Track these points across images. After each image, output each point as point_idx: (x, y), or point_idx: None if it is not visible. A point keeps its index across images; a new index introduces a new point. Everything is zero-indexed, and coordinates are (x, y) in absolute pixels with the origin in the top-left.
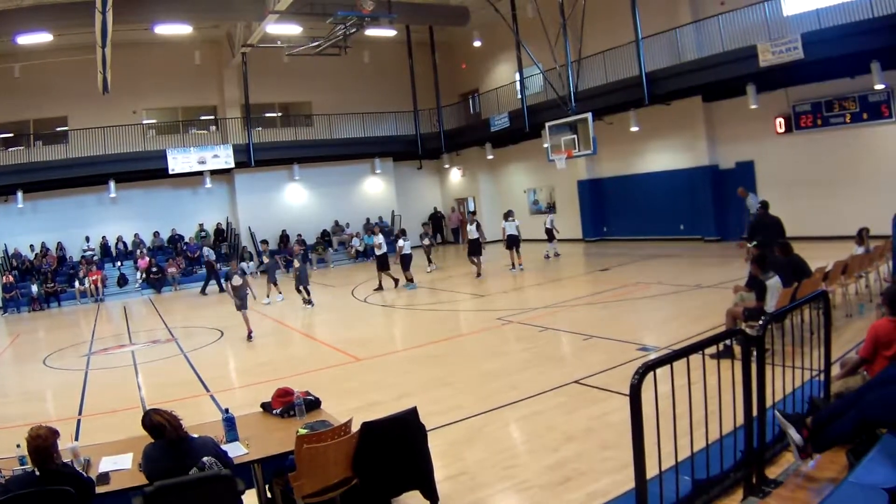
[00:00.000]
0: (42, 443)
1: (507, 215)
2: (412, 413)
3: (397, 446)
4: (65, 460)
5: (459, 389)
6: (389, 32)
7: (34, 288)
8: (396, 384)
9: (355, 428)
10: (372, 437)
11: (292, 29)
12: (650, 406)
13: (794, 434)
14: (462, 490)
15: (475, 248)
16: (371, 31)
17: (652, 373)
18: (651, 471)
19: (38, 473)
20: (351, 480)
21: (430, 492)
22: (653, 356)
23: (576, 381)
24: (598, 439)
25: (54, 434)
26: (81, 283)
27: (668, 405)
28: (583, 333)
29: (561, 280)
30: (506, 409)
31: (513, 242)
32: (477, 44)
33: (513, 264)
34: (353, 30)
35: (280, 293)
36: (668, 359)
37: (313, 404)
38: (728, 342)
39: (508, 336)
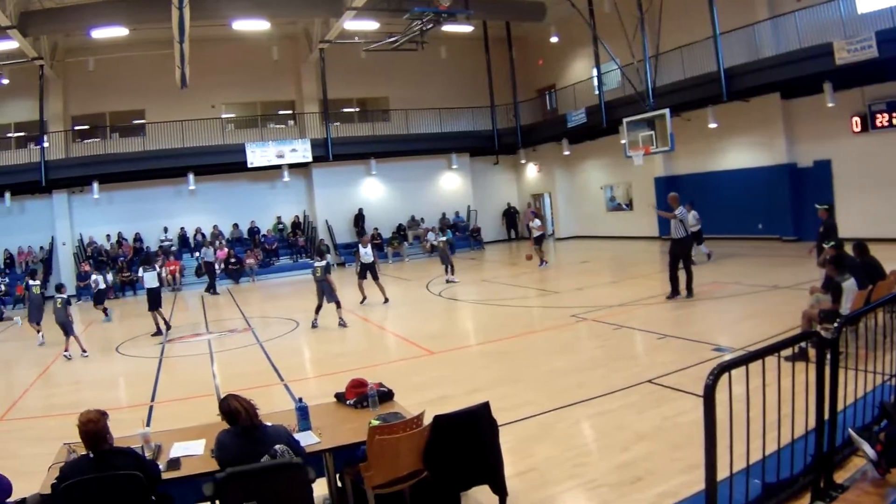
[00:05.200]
0: (94, 427)
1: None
2: (484, 408)
3: (468, 441)
4: (134, 446)
5: (531, 386)
6: (466, 28)
7: (109, 277)
8: (468, 379)
9: (427, 421)
10: (443, 430)
11: (369, 25)
12: (723, 407)
13: (868, 450)
14: (531, 486)
15: (539, 240)
16: (448, 27)
17: (727, 374)
18: (721, 472)
19: (91, 456)
20: (421, 473)
21: (499, 487)
22: (727, 357)
23: (648, 381)
24: (669, 439)
25: (104, 416)
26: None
27: (741, 407)
28: (657, 332)
29: (637, 278)
30: (577, 406)
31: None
32: (554, 39)
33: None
34: (430, 25)
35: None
36: (743, 360)
37: (386, 396)
38: (802, 344)
39: (581, 333)
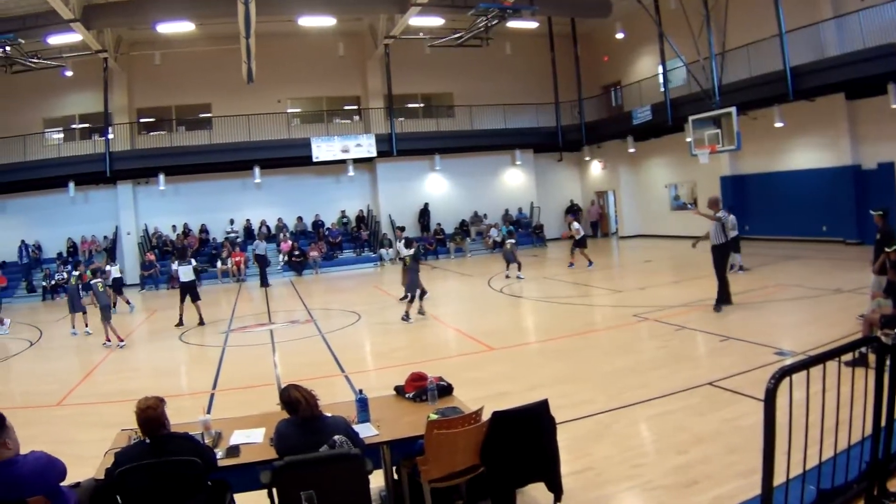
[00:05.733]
0: (152, 413)
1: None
2: (543, 405)
3: (526, 437)
4: (195, 433)
5: (590, 384)
6: (531, 24)
7: (174, 266)
8: (527, 376)
9: (485, 416)
10: (502, 426)
11: (434, 21)
12: (782, 412)
13: None
14: (587, 485)
15: (582, 242)
16: (513, 23)
17: (787, 378)
18: (778, 478)
19: (148, 441)
20: (477, 468)
21: (555, 485)
22: (788, 361)
23: (709, 383)
24: (728, 443)
25: (162, 403)
26: (224, 263)
27: (799, 412)
28: (719, 334)
29: (700, 278)
30: (636, 407)
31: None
32: (619, 36)
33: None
34: (495, 21)
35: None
36: (804, 364)
37: (445, 390)
38: (863, 350)
39: (643, 333)
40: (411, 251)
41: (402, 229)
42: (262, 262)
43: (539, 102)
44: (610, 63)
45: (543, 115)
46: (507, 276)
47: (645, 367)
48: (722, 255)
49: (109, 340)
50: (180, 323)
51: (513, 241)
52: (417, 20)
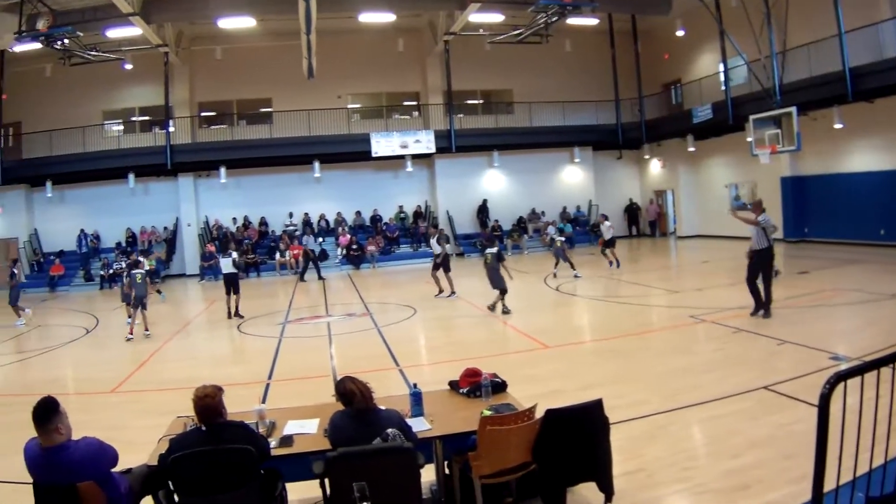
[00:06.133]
0: (210, 401)
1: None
2: (597, 405)
3: (579, 436)
4: (250, 422)
5: (645, 385)
6: (591, 21)
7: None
8: (582, 374)
9: (539, 414)
10: (555, 424)
11: (494, 17)
12: (836, 417)
13: None
14: (638, 487)
15: (612, 242)
16: (572, 20)
17: (842, 384)
18: (828, 484)
19: (203, 429)
20: (529, 466)
21: (606, 485)
22: (843, 366)
23: (764, 387)
24: (781, 448)
25: (220, 391)
26: (282, 256)
27: (852, 419)
28: (776, 338)
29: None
30: (690, 409)
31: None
32: (680, 33)
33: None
34: (555, 18)
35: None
36: (859, 370)
37: (499, 387)
38: None
39: (699, 335)
40: (494, 249)
41: (437, 227)
42: (307, 256)
43: (599, 100)
44: (670, 60)
45: (603, 112)
46: (555, 275)
47: (700, 368)
48: (764, 261)
49: (146, 331)
50: (230, 315)
51: (562, 239)
52: (477, 16)
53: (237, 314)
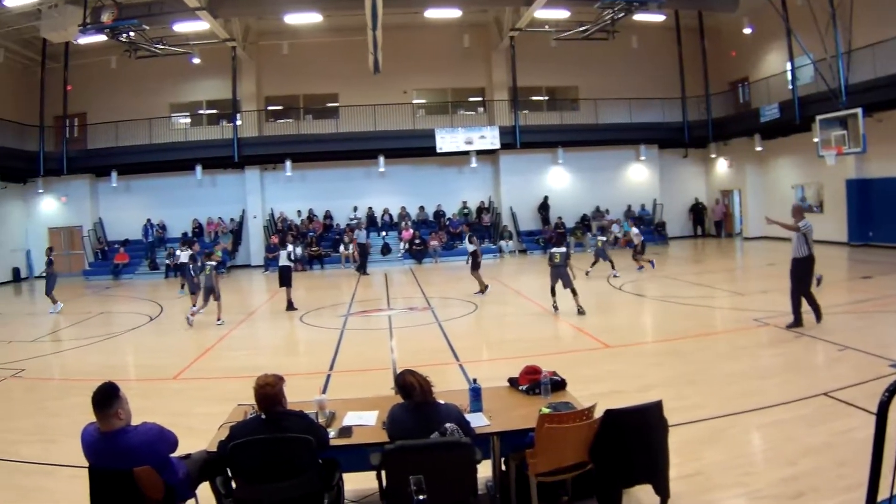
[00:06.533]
0: (270, 390)
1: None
2: (657, 406)
3: (637, 438)
4: (310, 412)
5: (705, 388)
6: (658, 17)
7: (299, 250)
8: (642, 375)
9: (597, 414)
10: (613, 424)
11: (560, 13)
12: (894, 426)
13: None
14: (694, 491)
15: (643, 247)
16: (639, 16)
17: None
18: (882, 493)
19: (263, 417)
20: (585, 465)
21: (662, 488)
22: None
23: (823, 394)
24: (837, 456)
25: (281, 381)
26: (346, 249)
27: None
28: (837, 343)
29: (826, 285)
30: (750, 413)
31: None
32: (747, 31)
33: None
34: (621, 14)
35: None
36: None
37: (559, 385)
38: None
39: (762, 338)
40: (563, 249)
41: (470, 226)
42: (363, 249)
43: (665, 97)
44: (737, 58)
45: (669, 110)
46: (587, 274)
47: (761, 373)
48: (804, 269)
49: (219, 319)
50: (290, 307)
51: (604, 238)
52: (543, 12)
53: (289, 305)
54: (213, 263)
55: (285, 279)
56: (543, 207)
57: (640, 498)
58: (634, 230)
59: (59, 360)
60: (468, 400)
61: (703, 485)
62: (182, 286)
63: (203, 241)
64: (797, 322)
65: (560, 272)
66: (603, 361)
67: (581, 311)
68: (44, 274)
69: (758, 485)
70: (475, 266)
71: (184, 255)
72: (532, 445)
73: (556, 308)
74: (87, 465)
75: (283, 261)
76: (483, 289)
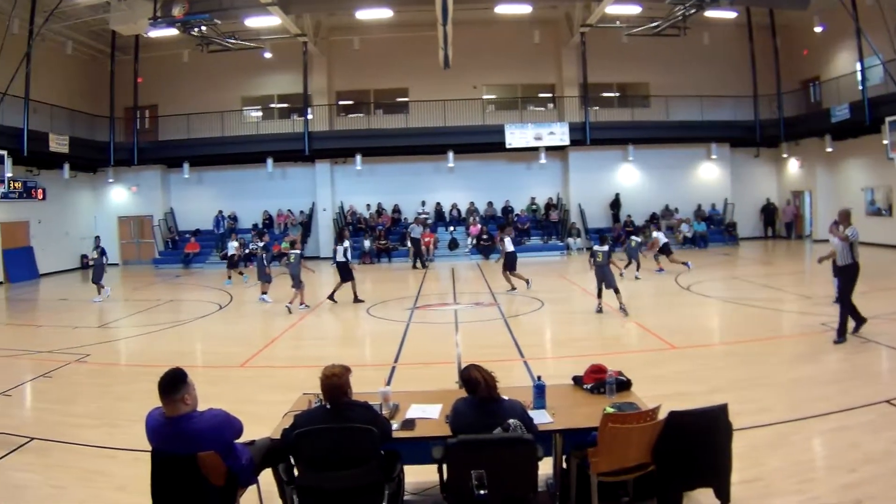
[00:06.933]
0: (336, 381)
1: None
2: (722, 410)
3: (701, 441)
4: (374, 403)
5: (770, 392)
6: (729, 14)
7: (367, 243)
8: (708, 378)
9: (662, 415)
10: (678, 427)
11: (631, 9)
12: None
13: None
14: (754, 496)
15: (666, 248)
16: (710, 13)
17: None
18: None
19: (328, 407)
20: (647, 466)
21: (723, 492)
22: None
23: (886, 401)
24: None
25: (347, 371)
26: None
27: None
28: None
29: (891, 290)
30: (814, 419)
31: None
32: (818, 29)
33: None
34: (693, 10)
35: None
36: None
37: (624, 385)
38: None
39: (829, 344)
40: (605, 248)
41: (505, 227)
42: (417, 245)
43: (737, 95)
44: (809, 57)
45: (741, 108)
46: (621, 275)
47: (826, 378)
48: (850, 279)
49: (302, 304)
50: (356, 300)
51: (638, 239)
52: (614, 8)
53: (331, 297)
54: (298, 252)
55: (345, 274)
56: (615, 205)
57: (701, 501)
58: (657, 234)
59: (127, 346)
60: (532, 397)
61: (763, 490)
62: (229, 276)
63: (273, 233)
64: (858, 324)
65: (604, 271)
66: (669, 362)
67: (624, 311)
68: (91, 262)
69: (818, 492)
70: (511, 267)
71: (231, 247)
72: (594, 444)
73: (600, 310)
74: (150, 449)
75: (339, 256)
76: (525, 283)
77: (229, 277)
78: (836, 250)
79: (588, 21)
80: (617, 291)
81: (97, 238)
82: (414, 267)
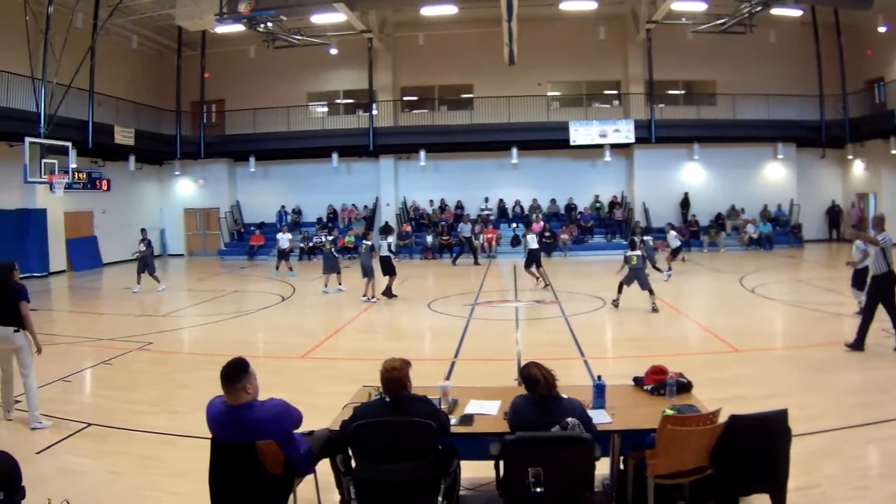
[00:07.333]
0: (396, 374)
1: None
2: (782, 415)
3: (760, 446)
4: (433, 397)
5: (828, 398)
6: (795, 12)
7: (429, 239)
8: (768, 382)
9: (722, 419)
10: (737, 431)
11: (698, 5)
12: None
13: None
14: (810, 503)
15: (677, 250)
16: (776, 10)
17: None
18: None
19: (388, 400)
20: (705, 470)
21: (779, 498)
22: None
23: None
24: None
25: (408, 365)
26: (476, 239)
27: None
28: None
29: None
30: (871, 427)
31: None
32: (882, 29)
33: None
34: (758, 8)
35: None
36: None
37: (684, 387)
38: None
39: (890, 351)
40: (639, 252)
41: (529, 224)
42: (470, 243)
43: (803, 95)
44: (873, 57)
45: (806, 108)
46: (658, 269)
47: (886, 385)
48: (882, 288)
49: (374, 297)
50: (390, 294)
51: (649, 238)
52: (680, 5)
53: (387, 293)
54: (370, 243)
55: (387, 269)
56: (684, 204)
57: None
58: (672, 234)
59: (190, 335)
60: (591, 396)
61: (818, 498)
62: (277, 267)
63: (338, 227)
64: (858, 344)
65: (638, 273)
66: (730, 365)
67: (655, 310)
68: (136, 255)
69: (872, 499)
70: (537, 264)
71: (284, 240)
72: (652, 446)
73: (616, 304)
74: (209, 436)
75: (383, 251)
76: (545, 284)
77: (277, 268)
78: (855, 257)
79: (654, 17)
80: (651, 293)
81: (143, 230)
82: (454, 263)
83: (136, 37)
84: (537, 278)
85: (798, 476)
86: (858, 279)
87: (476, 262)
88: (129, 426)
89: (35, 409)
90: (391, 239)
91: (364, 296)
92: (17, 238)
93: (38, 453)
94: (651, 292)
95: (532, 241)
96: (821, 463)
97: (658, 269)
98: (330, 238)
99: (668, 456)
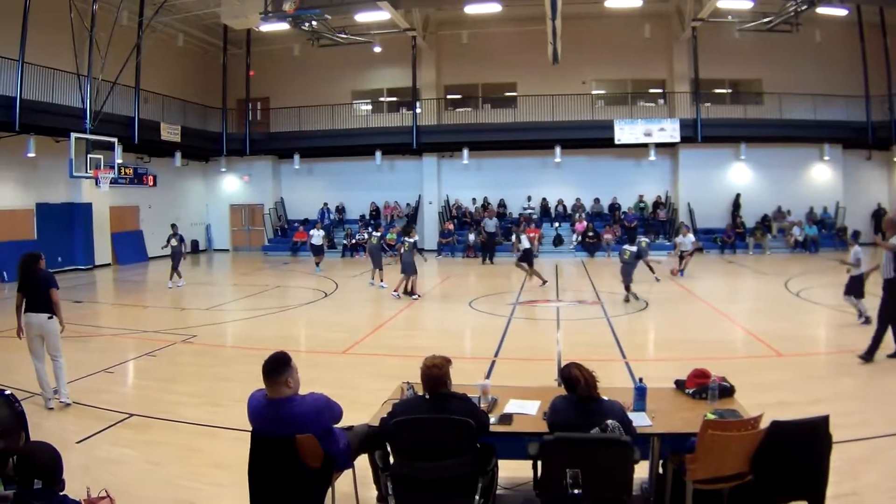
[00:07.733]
0: (437, 371)
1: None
2: (824, 421)
3: (801, 452)
4: (472, 395)
5: (873, 405)
6: (841, 11)
7: (471, 237)
8: (812, 388)
9: (763, 424)
10: (779, 437)
11: (743, 4)
12: None
13: None
14: None
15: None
16: (822, 10)
17: None
18: None
19: (427, 397)
20: (745, 476)
21: None
22: None
23: None
24: None
25: (448, 363)
26: (517, 239)
27: None
28: None
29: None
30: None
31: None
32: None
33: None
34: (804, 7)
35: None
36: None
37: (727, 391)
38: None
39: None
40: (634, 248)
41: (520, 224)
42: (491, 239)
43: (849, 95)
44: None
45: (852, 108)
46: (682, 272)
47: None
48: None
49: (413, 293)
50: (412, 294)
51: (646, 240)
52: (726, 2)
53: (412, 292)
54: (413, 240)
55: (408, 267)
56: (735, 206)
57: None
58: (690, 236)
59: (233, 329)
60: (632, 398)
61: None
62: (317, 264)
63: (381, 225)
64: (870, 353)
65: (626, 269)
66: (774, 370)
67: (626, 300)
68: (167, 251)
69: None
70: (529, 263)
71: (316, 237)
72: (693, 450)
73: (627, 300)
74: (250, 429)
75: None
76: (543, 281)
77: (318, 264)
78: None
79: (699, 15)
80: (627, 289)
81: (174, 225)
82: (483, 263)
83: (182, 35)
84: (530, 276)
85: (836, 483)
86: (853, 287)
87: (483, 262)
88: (172, 417)
89: (64, 386)
90: (415, 238)
91: (395, 291)
92: (64, 231)
93: (78, 442)
94: (627, 288)
95: (525, 242)
96: (860, 471)
97: (651, 270)
98: (377, 234)
99: (708, 461)
